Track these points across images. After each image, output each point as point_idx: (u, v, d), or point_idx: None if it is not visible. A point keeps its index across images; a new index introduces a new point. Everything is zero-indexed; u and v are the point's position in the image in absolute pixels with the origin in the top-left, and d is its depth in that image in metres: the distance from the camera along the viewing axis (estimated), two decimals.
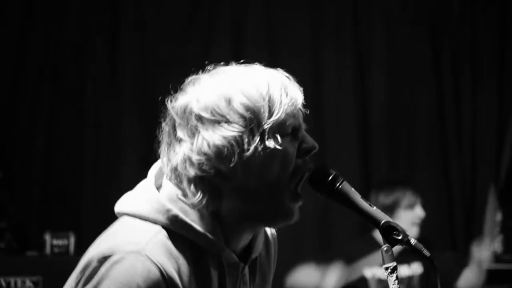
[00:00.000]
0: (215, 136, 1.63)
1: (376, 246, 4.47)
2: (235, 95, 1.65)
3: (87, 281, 1.60)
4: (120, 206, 1.75)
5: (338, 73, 5.60)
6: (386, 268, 1.75)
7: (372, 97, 5.62)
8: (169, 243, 1.64)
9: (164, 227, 1.66)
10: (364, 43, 5.65)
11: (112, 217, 5.06)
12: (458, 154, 5.69)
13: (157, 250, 1.61)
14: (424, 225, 4.55)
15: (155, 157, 1.76)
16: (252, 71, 1.73)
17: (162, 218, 1.66)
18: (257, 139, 1.64)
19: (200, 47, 5.29)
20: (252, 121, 1.64)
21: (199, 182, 1.65)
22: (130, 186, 5.37)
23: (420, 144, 5.68)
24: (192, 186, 1.66)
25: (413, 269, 4.46)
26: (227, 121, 1.64)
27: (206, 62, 1.77)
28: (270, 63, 1.81)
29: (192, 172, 1.64)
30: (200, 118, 1.65)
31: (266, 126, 1.65)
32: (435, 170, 5.69)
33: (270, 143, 1.65)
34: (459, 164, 5.68)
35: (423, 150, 5.68)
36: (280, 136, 1.66)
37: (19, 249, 4.47)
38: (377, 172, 5.57)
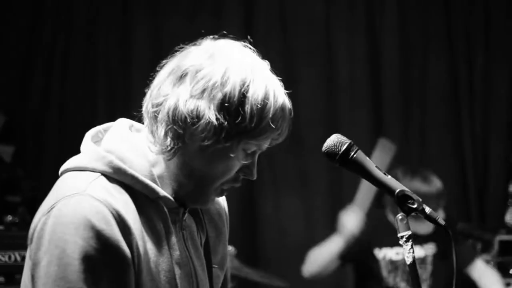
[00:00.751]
0: (206, 110, 1.67)
1: (389, 226, 4.46)
2: (251, 95, 1.68)
3: (40, 236, 1.64)
4: (62, 167, 1.81)
5: (350, 47, 5.58)
6: (401, 237, 1.75)
7: (385, 70, 5.60)
8: (109, 186, 1.70)
9: (102, 174, 1.71)
10: (376, 15, 5.62)
11: None
12: (471, 126, 5.68)
13: (99, 190, 1.67)
14: None
15: None
16: (268, 76, 1.75)
17: (99, 165, 1.72)
18: (232, 140, 1.69)
19: (211, 22, 5.27)
20: (234, 122, 1.68)
21: (172, 130, 1.70)
22: None
23: (433, 116, 5.67)
24: (163, 130, 1.71)
25: (426, 249, 4.43)
26: (233, 111, 1.68)
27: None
28: (282, 38, 1.81)
29: (170, 118, 1.69)
30: (205, 89, 1.69)
31: (240, 136, 1.70)
32: (448, 143, 5.68)
33: (235, 151, 1.71)
34: (472, 136, 5.68)
35: (436, 122, 5.67)
36: (244, 151, 1.74)
37: None
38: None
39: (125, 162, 1.73)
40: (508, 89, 5.75)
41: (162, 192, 1.75)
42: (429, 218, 1.75)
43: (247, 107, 1.68)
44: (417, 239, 4.42)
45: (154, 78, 1.80)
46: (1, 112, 4.90)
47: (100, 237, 1.61)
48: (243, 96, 1.68)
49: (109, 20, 5.24)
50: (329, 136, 1.79)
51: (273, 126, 1.70)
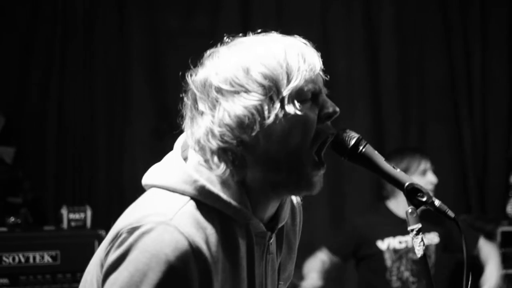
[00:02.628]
0: (235, 107, 1.64)
1: (390, 216, 4.48)
2: (252, 64, 1.67)
3: (115, 251, 1.62)
4: (148, 178, 1.77)
5: (348, 40, 5.57)
6: (412, 230, 1.75)
7: (382, 63, 5.60)
8: (197, 214, 1.65)
9: (191, 197, 1.67)
10: (373, 10, 5.61)
11: (125, 189, 5.05)
12: (469, 118, 5.68)
13: (185, 221, 1.62)
14: (438, 189, 4.53)
15: (167, 128, 1.78)
16: (269, 40, 1.74)
17: (189, 189, 1.67)
18: (277, 106, 1.65)
19: (208, 18, 5.26)
20: (271, 89, 1.66)
21: (222, 153, 1.67)
22: (142, 158, 5.37)
23: (431, 109, 5.67)
24: (215, 158, 1.67)
25: (429, 238, 4.45)
26: (246, 91, 1.65)
27: (224, 35, 1.78)
28: (279, 32, 1.81)
29: (214, 144, 1.66)
30: (220, 90, 1.66)
31: (285, 93, 1.66)
32: (447, 135, 5.69)
33: (290, 110, 1.66)
34: (471, 128, 5.68)
35: (434, 115, 5.68)
36: (300, 102, 1.68)
37: (35, 224, 4.49)
38: (389, 136, 5.57)
39: (215, 185, 1.68)
40: (507, 80, 5.76)
41: (253, 218, 1.71)
42: (438, 210, 1.75)
43: (269, 67, 1.67)
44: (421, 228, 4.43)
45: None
46: (1, 113, 4.89)
47: (173, 274, 1.58)
48: (260, 64, 1.67)
49: (106, 16, 5.21)
50: (336, 127, 1.79)
51: (303, 61, 1.69)
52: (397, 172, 1.77)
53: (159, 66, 5.19)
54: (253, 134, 1.64)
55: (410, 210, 1.75)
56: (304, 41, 1.76)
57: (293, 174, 1.70)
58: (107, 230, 3.87)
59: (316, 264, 4.47)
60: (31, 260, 4.07)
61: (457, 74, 5.68)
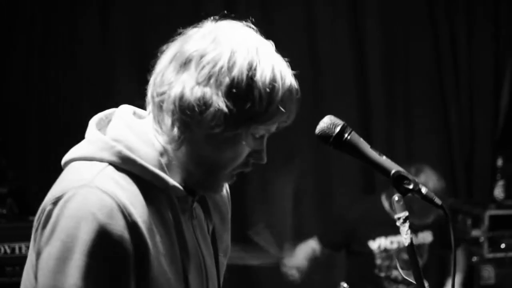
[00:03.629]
0: (212, 97, 1.63)
1: (384, 214, 4.39)
2: (259, 78, 1.64)
3: (44, 226, 1.63)
4: (66, 155, 1.77)
5: (333, 23, 5.53)
6: (398, 218, 1.73)
7: (368, 45, 5.57)
8: (117, 177, 1.66)
9: (110, 163, 1.68)
10: None
11: None
12: (456, 101, 5.67)
13: (106, 182, 1.64)
14: None
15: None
16: (275, 58, 1.71)
17: (107, 155, 1.69)
18: (241, 126, 1.66)
19: (191, 4, 5.21)
20: (254, 112, 1.65)
21: (179, 120, 1.67)
22: None
23: (418, 94, 5.65)
24: (169, 120, 1.68)
25: (422, 237, 4.40)
26: (242, 97, 1.63)
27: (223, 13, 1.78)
28: (263, 18, 1.78)
29: (176, 106, 1.66)
30: (218, 73, 1.64)
31: (253, 124, 1.67)
32: (433, 119, 5.67)
33: (244, 137, 1.68)
34: (457, 112, 5.68)
35: (421, 99, 5.66)
36: (253, 135, 1.70)
37: (21, 214, 4.45)
38: (375, 121, 5.55)
39: (133, 152, 1.69)
40: (493, 64, 5.74)
41: (172, 181, 1.72)
42: (426, 198, 1.74)
43: (256, 92, 1.63)
44: (414, 227, 4.38)
45: (154, 64, 1.75)
46: None
47: (103, 232, 1.58)
48: (251, 80, 1.63)
49: (88, 5, 5.15)
50: (313, 115, 1.77)
51: (282, 109, 1.67)
52: (383, 159, 1.75)
53: (140, 52, 5.11)
54: (208, 128, 1.65)
55: (396, 198, 1.73)
56: (285, 60, 1.74)
57: (206, 178, 1.75)
58: None
59: (307, 250, 4.44)
60: (17, 250, 4.03)
61: (443, 58, 5.65)
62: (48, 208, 1.63)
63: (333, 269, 5.14)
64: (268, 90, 1.64)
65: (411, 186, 1.72)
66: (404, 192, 1.73)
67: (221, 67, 1.63)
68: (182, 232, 1.75)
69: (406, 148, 5.59)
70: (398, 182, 1.73)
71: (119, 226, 1.60)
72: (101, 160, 1.68)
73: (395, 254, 4.32)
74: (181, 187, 1.74)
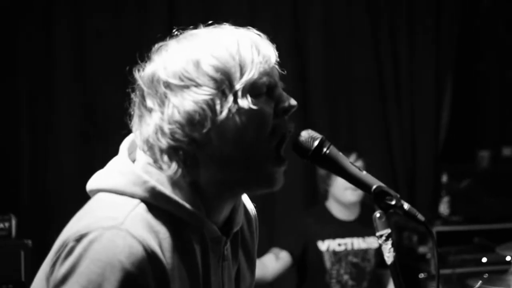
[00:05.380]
0: (185, 102, 1.54)
1: (329, 218, 4.45)
2: (203, 57, 1.57)
3: (63, 263, 1.49)
4: (93, 182, 1.64)
5: (275, 39, 5.47)
6: (381, 236, 1.66)
7: (311, 61, 5.54)
8: (149, 217, 1.54)
9: (142, 200, 1.56)
10: (301, 7, 5.55)
11: (51, 197, 4.85)
12: (398, 118, 5.69)
13: (137, 224, 1.51)
14: None
15: (96, 132, 1.66)
16: (221, 32, 1.64)
17: (139, 191, 1.56)
18: (230, 100, 1.56)
19: (136, 17, 5.11)
20: (223, 82, 1.56)
21: (173, 152, 1.56)
22: (68, 164, 5.18)
23: (360, 108, 5.65)
24: (166, 157, 1.57)
25: (368, 242, 4.42)
26: (197, 85, 1.55)
27: (173, 27, 1.69)
28: (230, 24, 1.69)
29: (164, 142, 1.55)
30: (168, 85, 1.56)
31: (238, 87, 1.56)
32: (376, 135, 5.68)
33: (244, 104, 1.56)
34: (399, 126, 5.69)
35: (363, 114, 5.66)
36: (254, 96, 1.58)
37: None
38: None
39: (166, 187, 1.57)
40: (433, 80, 5.78)
41: (207, 221, 1.60)
42: (408, 214, 1.68)
43: (222, 59, 1.56)
44: (358, 229, 4.39)
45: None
46: None
47: (129, 283, 1.45)
48: (211, 56, 1.57)
49: (31, 16, 5.00)
50: (296, 124, 1.68)
51: (256, 53, 1.60)
52: (364, 174, 1.69)
53: (85, 66, 5.00)
54: (205, 131, 1.54)
55: (378, 215, 1.67)
56: (258, 32, 1.66)
57: (250, 172, 1.61)
58: (33, 239, 3.71)
59: (270, 258, 4.37)
60: None
61: (385, 75, 5.67)
62: (71, 244, 1.48)
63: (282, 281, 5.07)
64: (234, 48, 1.58)
65: (393, 202, 1.66)
66: (385, 208, 1.66)
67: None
68: (208, 276, 1.63)
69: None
70: (379, 197, 1.66)
71: (146, 277, 1.48)
72: (132, 196, 1.56)
73: (343, 257, 4.33)
74: (215, 228, 1.62)
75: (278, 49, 5.12)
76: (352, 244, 4.41)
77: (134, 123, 1.62)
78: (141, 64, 1.62)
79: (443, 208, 5.49)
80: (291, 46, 5.51)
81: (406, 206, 1.67)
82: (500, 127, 6.22)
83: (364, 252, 4.42)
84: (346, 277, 4.37)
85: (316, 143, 1.67)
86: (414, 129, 5.74)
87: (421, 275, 5.07)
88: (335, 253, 4.37)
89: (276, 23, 5.46)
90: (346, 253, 4.37)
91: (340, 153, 1.69)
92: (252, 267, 1.87)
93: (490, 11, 6.22)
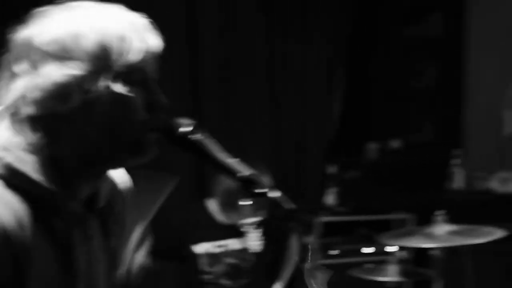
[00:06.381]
0: (56, 73, 1.49)
1: (209, 218, 4.28)
2: (84, 31, 1.51)
3: None
4: None
5: (168, 30, 5.40)
6: (247, 223, 1.64)
7: (204, 56, 5.50)
8: (5, 193, 1.48)
9: (1, 177, 1.50)
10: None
11: None
12: (287, 108, 5.71)
13: None
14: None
15: None
16: (109, 10, 1.58)
17: None
18: (103, 82, 1.51)
19: None
20: (100, 61, 1.51)
21: (35, 122, 1.52)
22: None
23: (251, 101, 5.65)
24: (27, 126, 1.52)
25: (247, 240, 4.29)
26: (72, 58, 1.50)
27: None
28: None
29: (28, 110, 1.51)
30: (42, 53, 1.51)
31: (114, 70, 1.52)
32: (265, 126, 5.69)
33: (117, 89, 1.52)
34: (290, 118, 5.72)
35: (253, 105, 5.65)
36: (128, 83, 1.54)
37: None
38: (209, 128, 5.48)
39: (25, 163, 1.51)
40: (325, 74, 5.83)
41: (67, 197, 1.55)
42: (276, 203, 1.66)
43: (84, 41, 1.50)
44: (236, 229, 4.29)
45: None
46: None
47: None
48: (93, 33, 1.51)
49: None
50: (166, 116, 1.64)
51: (139, 39, 1.55)
52: (231, 161, 1.66)
53: None
54: (71, 107, 1.50)
55: (244, 203, 1.65)
56: (147, 20, 1.61)
57: (111, 158, 1.58)
58: None
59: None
60: None
61: (276, 66, 5.69)
62: None
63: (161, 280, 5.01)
64: (119, 30, 1.54)
65: (260, 190, 1.64)
66: (252, 195, 1.64)
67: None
68: (74, 254, 1.58)
69: (236, 156, 5.54)
70: (246, 185, 1.64)
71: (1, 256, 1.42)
72: None
73: (219, 259, 4.24)
74: (77, 204, 1.58)
75: (170, 40, 5.01)
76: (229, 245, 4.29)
77: (1, 88, 1.56)
78: (16, 27, 1.56)
79: (330, 198, 5.55)
80: (184, 33, 5.46)
81: (274, 194, 1.65)
82: (388, 120, 6.34)
83: (241, 251, 4.27)
84: (222, 278, 4.27)
85: (185, 129, 1.63)
86: (305, 121, 5.77)
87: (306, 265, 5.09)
88: (212, 255, 4.24)
89: (170, 14, 5.40)
90: (225, 254, 4.23)
91: (209, 140, 1.66)
92: (126, 243, 1.84)
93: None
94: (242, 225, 1.46)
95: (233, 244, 4.24)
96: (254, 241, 1.38)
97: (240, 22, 5.61)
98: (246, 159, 4.61)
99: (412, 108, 6.35)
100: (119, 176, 1.81)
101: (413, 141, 6.35)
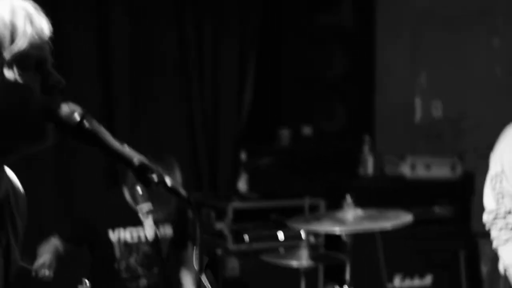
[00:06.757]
0: None
1: (124, 204, 4.20)
2: None
3: None
4: None
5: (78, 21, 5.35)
6: (141, 210, 1.64)
7: (115, 40, 5.45)
8: None
9: None
10: None
11: None
12: (201, 93, 5.72)
13: None
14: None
15: None
16: None
17: None
18: None
19: None
20: None
21: None
22: None
23: (164, 86, 5.63)
24: None
25: (163, 231, 4.22)
26: None
27: None
28: None
29: None
30: None
31: (6, 56, 1.51)
32: (178, 113, 5.68)
33: (10, 75, 1.51)
34: (202, 107, 5.71)
35: (167, 91, 5.65)
36: (21, 69, 1.53)
37: None
38: (119, 114, 5.45)
39: None
40: (237, 60, 5.85)
41: None
42: (170, 190, 1.66)
43: None
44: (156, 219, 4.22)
45: None
46: None
47: None
48: None
49: None
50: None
51: (29, 24, 1.55)
52: (126, 149, 1.65)
53: None
54: None
55: (139, 189, 1.64)
56: (34, 5, 1.60)
57: (11, 145, 1.57)
58: None
59: (50, 248, 4.21)
60: None
61: (190, 55, 5.67)
62: None
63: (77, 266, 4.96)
64: (7, 16, 1.53)
65: (155, 177, 1.63)
66: (147, 183, 1.64)
67: None
68: None
69: (150, 142, 5.53)
70: (141, 172, 1.64)
71: None
72: None
73: (134, 248, 4.20)
74: None
75: (77, 26, 4.90)
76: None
77: None
78: None
79: (242, 185, 5.58)
80: (94, 21, 5.40)
81: (168, 181, 1.65)
82: (300, 107, 6.39)
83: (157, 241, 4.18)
84: (137, 266, 4.20)
85: (77, 117, 1.62)
86: (216, 107, 5.78)
87: (218, 252, 5.12)
88: (126, 244, 4.19)
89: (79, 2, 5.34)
90: (139, 243, 4.19)
91: (102, 127, 1.64)
92: (19, 247, 1.78)
93: None
94: (139, 212, 1.45)
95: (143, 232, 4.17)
96: (149, 228, 1.37)
97: (151, 11, 5.57)
98: (159, 148, 4.61)
99: (324, 95, 6.41)
100: (13, 179, 1.77)
101: (325, 128, 6.42)
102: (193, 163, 5.64)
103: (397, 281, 5.73)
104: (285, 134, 6.24)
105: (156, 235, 1.61)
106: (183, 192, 1.67)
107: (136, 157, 1.63)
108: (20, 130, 1.55)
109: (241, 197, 5.50)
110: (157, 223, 3.88)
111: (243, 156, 5.68)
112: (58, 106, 1.59)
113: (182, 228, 4.35)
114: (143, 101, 5.59)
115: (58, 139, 1.62)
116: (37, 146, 1.60)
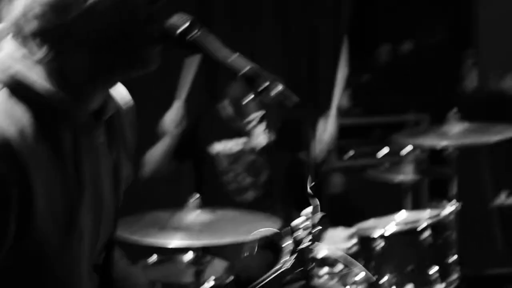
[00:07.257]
0: None
1: (224, 117, 4.18)
2: None
3: None
4: None
5: None
6: (253, 119, 1.64)
7: None
8: (9, 103, 1.47)
9: (5, 85, 1.49)
10: None
11: None
12: (294, 12, 5.64)
13: None
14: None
15: None
16: None
17: (1, 76, 1.49)
18: None
19: None
20: None
21: (39, 37, 1.51)
22: None
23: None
24: (33, 41, 1.51)
25: (240, 142, 4.23)
26: None
27: None
28: None
29: (31, 26, 1.50)
30: None
31: None
32: (280, 28, 5.63)
33: None
34: (298, 20, 5.65)
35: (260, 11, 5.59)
36: None
37: None
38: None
39: (33, 73, 1.51)
40: None
41: (75, 104, 1.54)
42: (280, 97, 1.65)
43: None
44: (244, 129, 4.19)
45: None
46: None
47: None
48: None
49: None
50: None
51: None
52: (236, 56, 1.65)
53: None
54: (72, 16, 1.48)
55: (250, 98, 1.63)
56: None
57: (121, 56, 1.56)
58: None
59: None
60: None
61: None
62: None
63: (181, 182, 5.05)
64: None
65: (266, 84, 1.63)
66: (258, 91, 1.63)
67: None
68: (80, 164, 1.57)
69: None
70: (251, 80, 1.63)
71: (1, 168, 1.40)
72: None
73: (239, 158, 4.21)
74: (85, 112, 1.57)
75: None
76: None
77: (3, 7, 1.54)
78: None
79: (343, 100, 5.52)
80: None
81: (279, 88, 1.64)
82: (399, 23, 6.27)
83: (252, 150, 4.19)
84: (243, 175, 4.26)
85: (185, 24, 1.62)
86: (313, 24, 5.71)
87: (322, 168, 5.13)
88: (231, 154, 4.19)
89: None
90: (243, 152, 4.17)
91: (211, 35, 1.65)
92: (130, 158, 1.84)
93: None
94: (248, 122, 1.45)
95: (247, 142, 4.15)
96: (260, 135, 1.38)
97: None
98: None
99: (423, 9, 6.27)
100: (123, 95, 1.82)
101: (425, 42, 6.29)
102: (293, 80, 5.59)
103: (502, 197, 5.64)
104: (384, 50, 6.14)
105: (269, 143, 1.61)
106: (294, 98, 1.66)
107: (247, 65, 1.63)
108: (126, 49, 1.54)
109: (344, 113, 5.45)
110: (266, 131, 3.94)
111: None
112: (163, 15, 1.59)
113: (284, 135, 4.32)
114: (238, 21, 5.56)
115: (164, 48, 1.62)
116: (142, 70, 1.59)
